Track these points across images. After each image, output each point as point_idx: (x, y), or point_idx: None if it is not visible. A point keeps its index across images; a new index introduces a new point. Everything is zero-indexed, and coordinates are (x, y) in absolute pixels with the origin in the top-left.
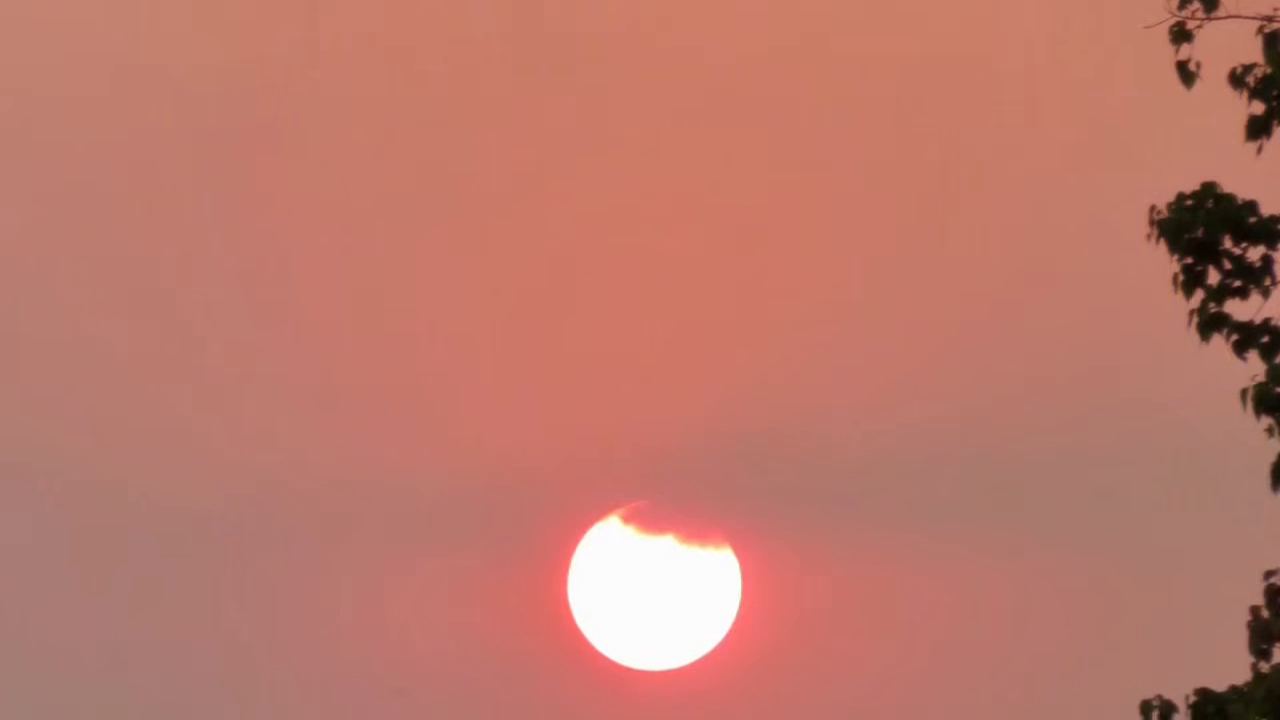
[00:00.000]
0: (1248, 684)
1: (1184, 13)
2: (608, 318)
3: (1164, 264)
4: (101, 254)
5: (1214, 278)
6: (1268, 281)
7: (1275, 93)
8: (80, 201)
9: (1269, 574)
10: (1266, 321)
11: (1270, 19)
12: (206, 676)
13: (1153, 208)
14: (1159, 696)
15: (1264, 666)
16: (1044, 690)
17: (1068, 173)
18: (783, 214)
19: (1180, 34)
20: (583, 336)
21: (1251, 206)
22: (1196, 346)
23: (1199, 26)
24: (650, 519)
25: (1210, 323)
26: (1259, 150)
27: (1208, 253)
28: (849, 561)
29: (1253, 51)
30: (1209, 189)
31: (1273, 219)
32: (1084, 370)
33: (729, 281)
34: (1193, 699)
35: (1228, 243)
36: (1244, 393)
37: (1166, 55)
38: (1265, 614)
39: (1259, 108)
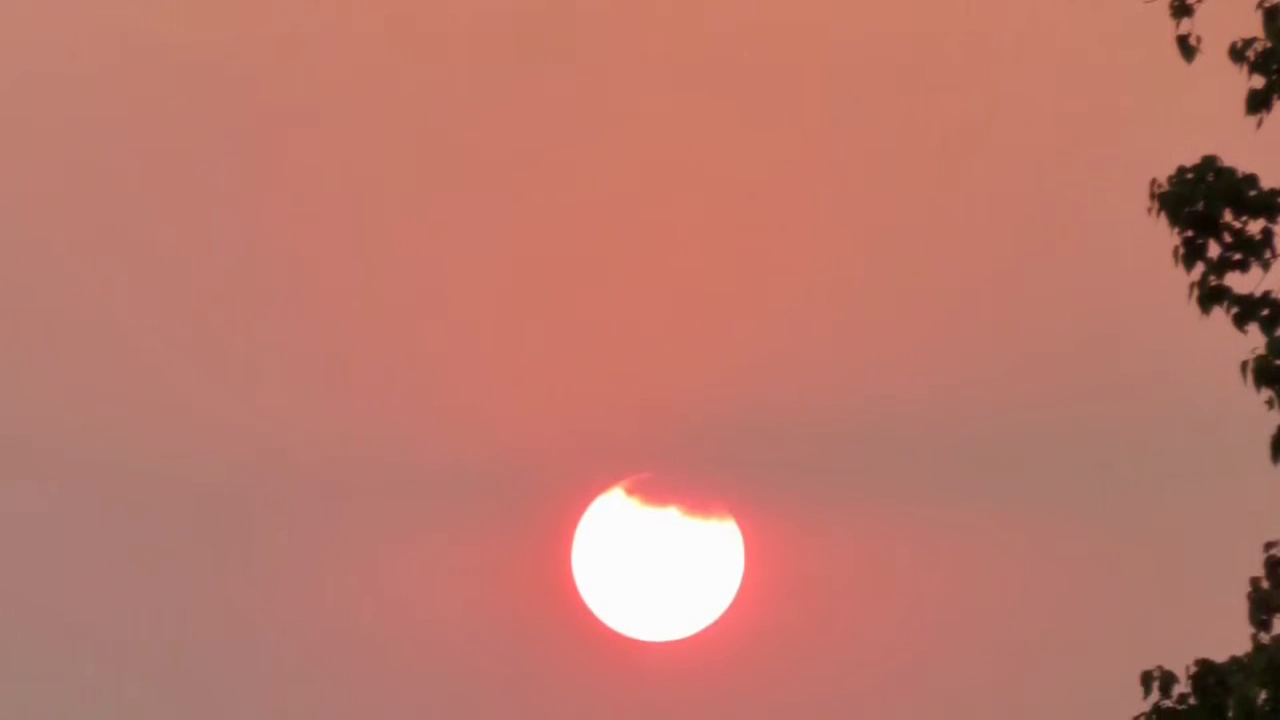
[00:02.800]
0: (1248, 655)
1: None
2: (611, 291)
3: (1165, 237)
4: (104, 230)
5: (1214, 251)
6: (1268, 254)
7: (1275, 67)
8: (84, 179)
9: (1269, 545)
10: (1267, 294)
11: None
12: (209, 649)
13: (1153, 181)
14: (1159, 667)
15: (1264, 638)
16: (1045, 661)
17: (1069, 147)
18: (784, 187)
19: (1181, 8)
20: (586, 309)
21: (1252, 180)
22: (1197, 319)
23: (1199, 1)
24: (654, 491)
25: (1211, 295)
26: (1259, 124)
27: (1208, 226)
28: (851, 532)
29: (1253, 26)
30: (1209, 163)
31: (1273, 192)
32: (1085, 342)
33: (731, 254)
34: (1193, 670)
35: (1228, 216)
36: (1244, 365)
37: (1167, 29)
38: (1265, 585)
39: (1259, 82)
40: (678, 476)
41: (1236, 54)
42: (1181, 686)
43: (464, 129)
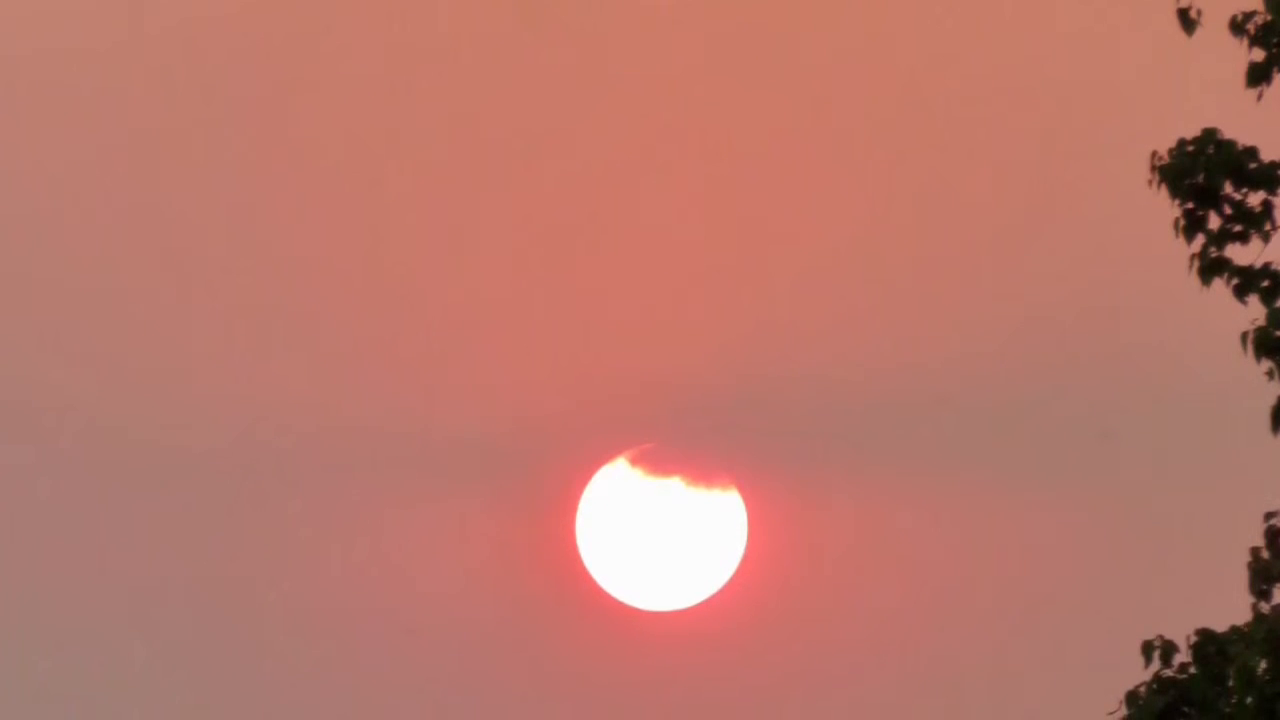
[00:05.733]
0: (1248, 624)
1: None
2: (615, 261)
3: (1165, 209)
4: (111, 197)
5: (1215, 223)
6: (1268, 226)
7: (1275, 40)
8: (89, 146)
9: (1269, 515)
10: (1267, 266)
11: None
12: (214, 617)
13: (1154, 154)
14: (1160, 637)
15: (1264, 607)
16: (1046, 630)
17: (1070, 119)
18: (787, 158)
19: None
20: (590, 280)
21: (1252, 152)
22: (1197, 291)
23: None
24: (658, 461)
25: (1211, 267)
26: (1259, 97)
27: (1209, 198)
28: (854, 502)
29: None
30: (1210, 135)
31: (1273, 165)
32: (1087, 313)
33: (734, 225)
34: (1194, 639)
35: (1228, 188)
36: (1244, 336)
37: (1168, 2)
38: (1265, 555)
39: (1259, 55)
40: (681, 447)
41: (1237, 27)
42: (1182, 656)
43: (468, 100)
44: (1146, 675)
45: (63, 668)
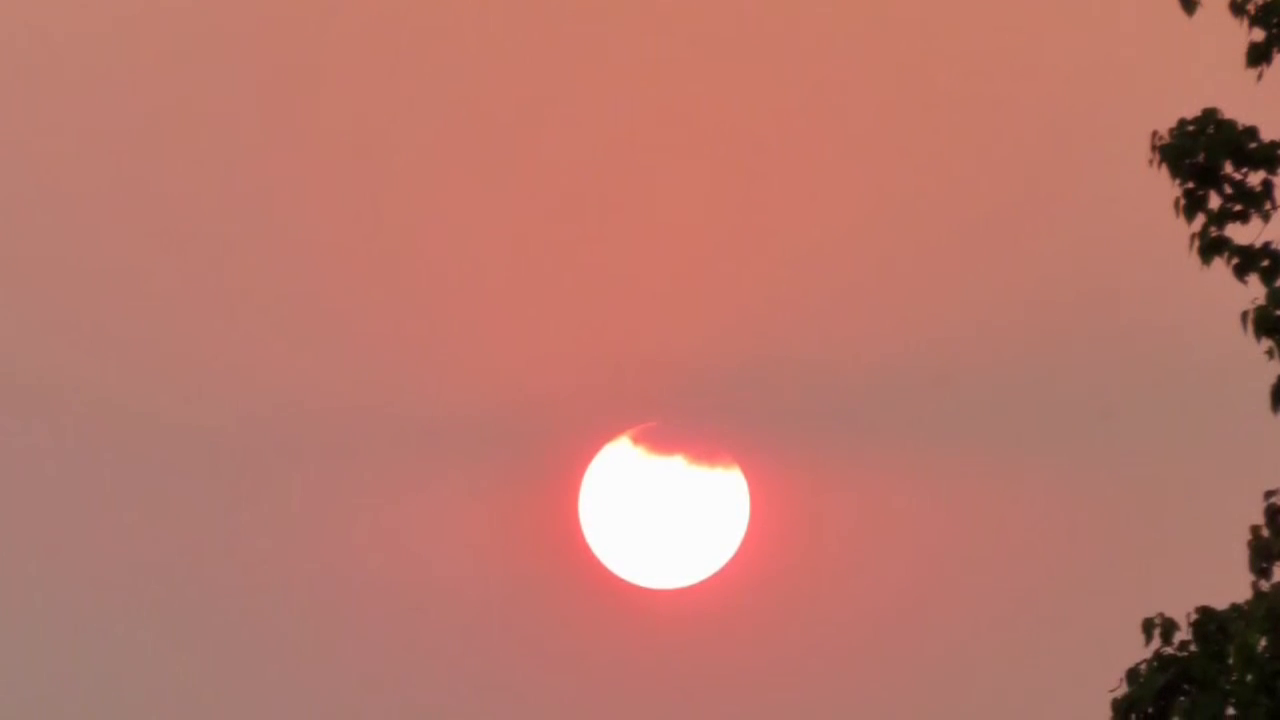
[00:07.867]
0: (1248, 602)
1: None
2: (618, 240)
3: (1166, 189)
4: (119, 178)
5: (1215, 202)
6: (1268, 206)
7: (1275, 20)
8: (98, 127)
9: (1269, 494)
10: (1266, 245)
11: None
12: (221, 595)
13: (1155, 133)
14: (1161, 615)
15: (1264, 585)
16: (1047, 608)
17: (1072, 98)
18: (790, 137)
19: None
20: (594, 259)
21: (1252, 132)
22: (1198, 270)
23: None
24: (660, 439)
25: (1211, 246)
26: (1259, 77)
27: (1209, 178)
28: (856, 481)
29: None
30: (1210, 115)
31: (1273, 144)
32: (1088, 292)
33: (738, 204)
34: (1194, 617)
35: (1229, 168)
36: (1244, 315)
37: None
38: (1265, 533)
39: (1259, 35)
40: (683, 425)
41: (1237, 7)
42: (1183, 634)
43: (472, 79)
44: (1147, 653)
45: (70, 644)
